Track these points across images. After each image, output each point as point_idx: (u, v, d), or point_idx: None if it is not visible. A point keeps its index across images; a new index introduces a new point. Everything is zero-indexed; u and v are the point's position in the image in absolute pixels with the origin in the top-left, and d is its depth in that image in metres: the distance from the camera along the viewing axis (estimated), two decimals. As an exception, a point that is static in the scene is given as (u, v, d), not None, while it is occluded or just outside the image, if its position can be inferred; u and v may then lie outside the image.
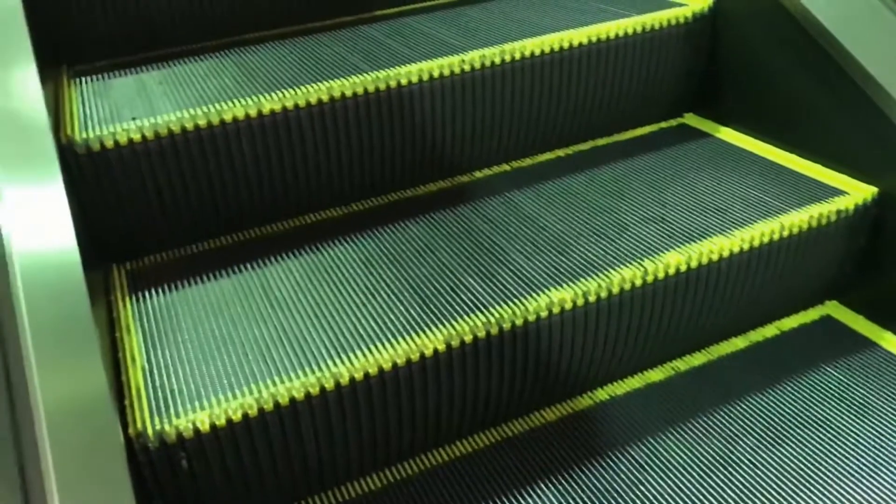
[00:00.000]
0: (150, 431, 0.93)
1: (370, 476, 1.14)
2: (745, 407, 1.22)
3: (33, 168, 1.01)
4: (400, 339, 1.06)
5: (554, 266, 1.20)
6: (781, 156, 1.49)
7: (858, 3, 1.39)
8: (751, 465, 1.11)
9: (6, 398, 0.80)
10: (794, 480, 1.09)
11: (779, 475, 1.10)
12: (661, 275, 1.18)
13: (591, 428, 1.20)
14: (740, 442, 1.15)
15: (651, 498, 1.07)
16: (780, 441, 1.15)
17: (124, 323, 1.13)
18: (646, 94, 1.61)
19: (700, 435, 1.17)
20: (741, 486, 1.08)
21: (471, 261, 1.23)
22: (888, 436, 1.15)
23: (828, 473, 1.10)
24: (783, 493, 1.07)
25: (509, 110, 1.47)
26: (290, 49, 1.54)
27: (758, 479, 1.09)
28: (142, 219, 1.28)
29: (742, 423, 1.19)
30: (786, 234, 1.26)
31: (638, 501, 1.07)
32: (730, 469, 1.11)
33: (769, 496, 1.06)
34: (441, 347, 1.06)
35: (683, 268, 1.19)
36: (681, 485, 1.09)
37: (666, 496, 1.07)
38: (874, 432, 1.16)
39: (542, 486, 1.10)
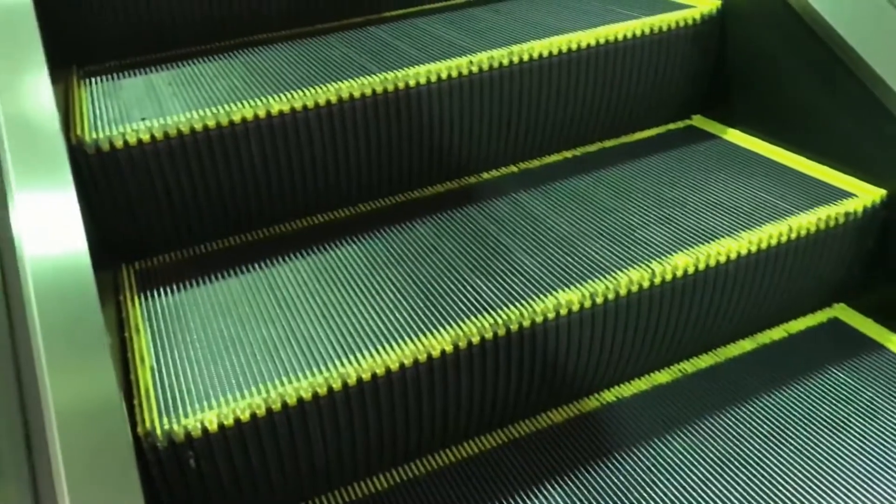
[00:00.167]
0: (158, 431, 0.94)
1: (377, 476, 1.14)
2: (752, 409, 1.22)
3: (44, 169, 1.01)
4: (407, 339, 1.06)
5: (561, 267, 1.20)
6: (790, 158, 1.49)
7: (867, 4, 1.39)
8: (757, 467, 1.11)
9: (17, 398, 0.81)
10: (800, 482, 1.08)
11: (785, 476, 1.09)
12: (668, 277, 1.18)
13: (598, 429, 1.20)
14: (747, 443, 1.15)
15: (658, 499, 1.07)
16: (786, 442, 1.15)
17: (133, 323, 1.13)
18: (653, 96, 1.61)
19: (707, 436, 1.17)
20: (748, 487, 1.08)
21: (478, 262, 1.23)
22: (895, 437, 1.15)
23: (834, 474, 1.09)
24: (789, 495, 1.07)
25: (517, 112, 1.47)
26: (298, 50, 1.55)
27: (764, 480, 1.09)
28: (151, 219, 1.29)
29: (749, 425, 1.19)
30: (794, 236, 1.26)
31: (644, 502, 1.07)
32: (736, 470, 1.11)
33: (775, 497, 1.06)
34: (448, 348, 1.06)
35: (691, 270, 1.19)
36: (687, 486, 1.09)
37: (672, 497, 1.07)
38: (881, 433, 1.16)
39: (549, 486, 1.10)
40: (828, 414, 1.20)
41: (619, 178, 1.46)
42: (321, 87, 1.31)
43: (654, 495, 1.08)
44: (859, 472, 1.10)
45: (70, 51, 1.54)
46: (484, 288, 1.16)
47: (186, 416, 0.96)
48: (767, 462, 1.12)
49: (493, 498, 1.09)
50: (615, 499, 1.08)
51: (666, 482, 1.10)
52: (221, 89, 1.37)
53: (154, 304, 1.18)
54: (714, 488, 1.08)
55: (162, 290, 1.21)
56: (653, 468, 1.12)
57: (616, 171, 1.49)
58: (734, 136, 1.60)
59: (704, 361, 1.33)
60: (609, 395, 1.26)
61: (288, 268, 1.25)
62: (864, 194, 1.33)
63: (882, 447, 1.14)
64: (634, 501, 1.07)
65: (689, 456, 1.14)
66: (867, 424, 1.18)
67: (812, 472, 1.10)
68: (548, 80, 1.46)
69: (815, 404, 1.22)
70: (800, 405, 1.22)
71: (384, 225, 1.35)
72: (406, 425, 1.10)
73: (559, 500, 1.08)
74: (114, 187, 1.23)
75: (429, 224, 1.35)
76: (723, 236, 1.25)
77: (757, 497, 1.07)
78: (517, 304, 1.12)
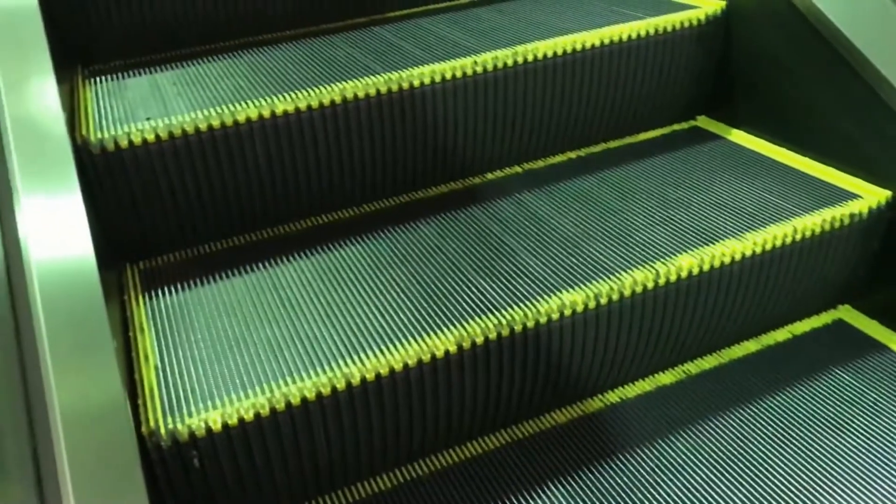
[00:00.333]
0: (162, 430, 0.94)
1: (381, 476, 1.15)
2: (756, 410, 1.21)
3: (50, 169, 1.01)
4: (411, 339, 1.06)
5: (565, 268, 1.20)
6: (795, 159, 1.48)
7: (872, 5, 1.38)
8: (762, 468, 1.11)
9: (22, 399, 0.81)
10: (805, 483, 1.08)
11: (790, 477, 1.09)
12: (672, 278, 1.17)
13: (602, 430, 1.20)
14: (752, 444, 1.15)
15: (662, 499, 1.07)
16: (790, 443, 1.15)
17: (138, 322, 1.13)
18: (658, 97, 1.61)
19: (711, 437, 1.17)
20: (752, 488, 1.08)
21: (482, 262, 1.23)
22: (901, 441, 1.15)
23: (839, 475, 1.09)
24: (794, 496, 1.06)
25: (522, 112, 1.47)
26: (303, 50, 1.55)
27: (768, 481, 1.09)
28: (155, 218, 1.29)
29: (753, 426, 1.18)
30: (799, 237, 1.26)
31: (649, 502, 1.07)
32: (740, 471, 1.11)
33: (780, 498, 1.06)
34: (452, 349, 1.06)
35: (696, 271, 1.19)
36: (692, 486, 1.09)
37: (677, 497, 1.07)
38: (886, 434, 1.15)
39: (553, 487, 1.10)
40: (832, 415, 1.20)
41: (624, 178, 1.46)
42: (326, 88, 1.31)
43: (658, 495, 1.08)
44: (864, 472, 1.10)
45: (75, 50, 1.54)
46: (488, 288, 1.16)
47: (190, 416, 0.96)
48: (772, 463, 1.12)
49: (496, 498, 1.09)
50: (619, 499, 1.08)
51: (670, 482, 1.10)
52: (226, 89, 1.37)
53: (158, 303, 1.18)
54: (719, 489, 1.08)
55: (166, 289, 1.21)
56: (657, 468, 1.12)
57: (620, 171, 1.49)
58: (739, 136, 1.60)
59: (709, 362, 1.33)
60: (613, 396, 1.26)
61: (292, 268, 1.25)
62: (869, 195, 1.33)
63: (888, 448, 1.13)
64: (638, 502, 1.07)
65: (693, 456, 1.14)
66: (872, 425, 1.17)
67: (816, 472, 1.10)
68: (552, 81, 1.46)
69: (819, 405, 1.22)
70: (804, 406, 1.22)
71: (388, 225, 1.35)
72: (410, 425, 1.10)
73: (563, 500, 1.08)
74: (119, 187, 1.23)
75: (433, 224, 1.35)
76: (727, 237, 1.25)
77: (761, 498, 1.06)
78: (521, 304, 1.12)
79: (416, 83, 1.34)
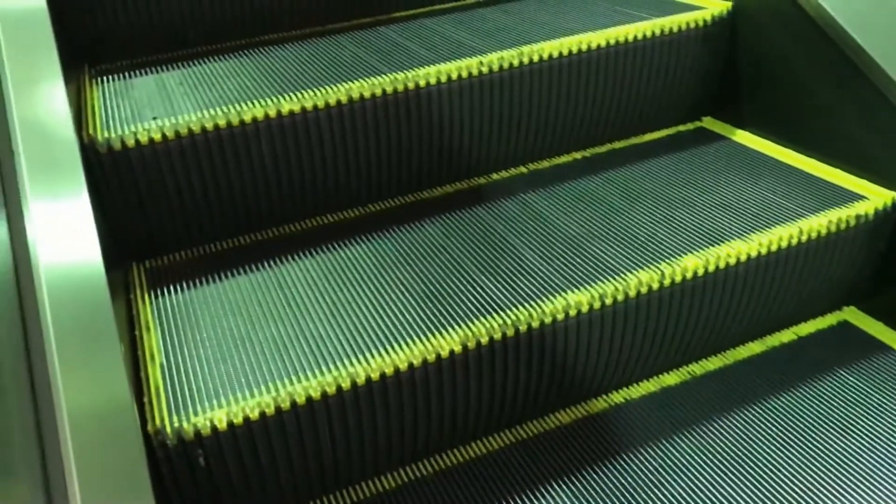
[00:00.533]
0: (168, 429, 0.94)
1: (385, 476, 1.15)
2: (761, 411, 1.21)
3: (57, 168, 1.02)
4: (416, 339, 1.07)
5: (570, 268, 1.20)
6: (801, 160, 1.48)
7: (879, 6, 1.38)
8: (766, 469, 1.11)
9: (29, 398, 0.81)
10: (809, 484, 1.08)
11: (794, 479, 1.09)
12: (678, 278, 1.17)
13: (606, 430, 1.20)
14: (756, 445, 1.15)
15: (666, 499, 1.07)
16: (795, 445, 1.15)
17: (144, 321, 1.14)
18: (663, 97, 1.61)
19: (715, 438, 1.17)
20: (755, 489, 1.08)
21: (487, 262, 1.23)
22: (906, 442, 1.15)
23: (844, 477, 1.09)
24: (798, 497, 1.06)
25: (527, 112, 1.47)
26: (308, 50, 1.55)
27: (773, 482, 1.09)
28: (162, 218, 1.29)
29: (758, 427, 1.18)
30: (804, 238, 1.26)
31: (653, 503, 1.07)
32: (744, 472, 1.11)
33: (784, 499, 1.06)
34: (457, 348, 1.06)
35: (701, 271, 1.19)
36: (695, 487, 1.09)
37: (681, 498, 1.07)
38: (890, 436, 1.15)
39: (557, 487, 1.10)
40: (837, 416, 1.20)
41: (629, 179, 1.46)
42: (332, 87, 1.32)
43: (662, 496, 1.08)
44: (869, 474, 1.09)
45: (82, 50, 1.54)
46: (493, 288, 1.16)
47: (196, 415, 0.96)
48: (776, 464, 1.12)
49: (501, 498, 1.09)
50: (623, 499, 1.08)
51: (674, 483, 1.10)
52: (232, 89, 1.38)
53: (164, 302, 1.18)
54: (723, 489, 1.08)
55: (172, 288, 1.22)
56: (661, 469, 1.12)
57: (625, 172, 1.49)
58: (744, 137, 1.60)
59: (713, 363, 1.33)
60: (617, 397, 1.26)
61: (298, 267, 1.25)
62: (875, 197, 1.33)
63: (892, 450, 1.13)
64: (643, 502, 1.07)
65: (697, 457, 1.14)
66: (876, 427, 1.17)
67: (821, 474, 1.10)
68: (558, 81, 1.46)
69: (824, 407, 1.22)
70: (809, 408, 1.22)
71: (394, 225, 1.36)
72: (414, 425, 1.11)
73: (567, 500, 1.08)
74: (125, 186, 1.24)
75: (438, 224, 1.35)
76: (733, 238, 1.24)
77: (766, 499, 1.06)
78: (526, 304, 1.12)
79: (422, 83, 1.35)
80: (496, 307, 1.12)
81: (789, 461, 1.12)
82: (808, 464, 1.12)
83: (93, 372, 0.82)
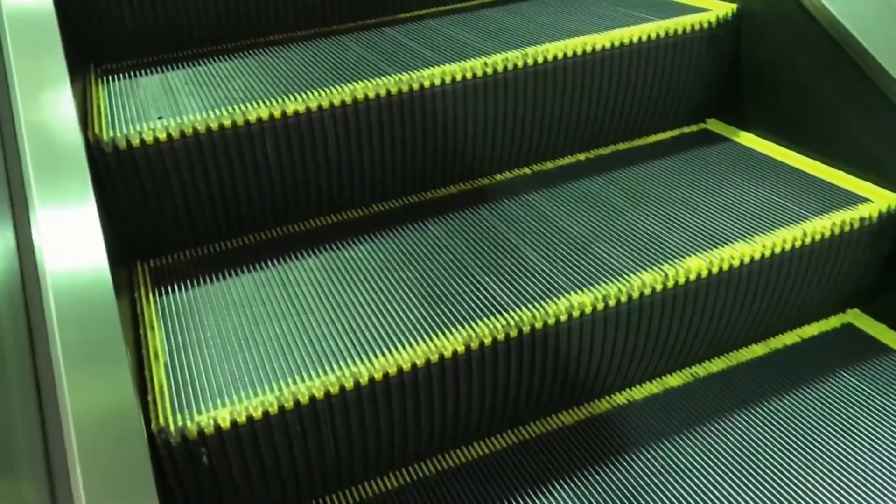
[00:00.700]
0: (172, 427, 0.95)
1: (388, 476, 1.15)
2: (763, 413, 1.21)
3: (63, 168, 1.02)
4: (419, 339, 1.07)
5: (574, 269, 1.20)
6: (805, 162, 1.48)
7: (884, 9, 1.38)
8: (768, 471, 1.11)
9: (35, 397, 0.82)
10: (811, 486, 1.08)
11: (796, 480, 1.09)
12: (681, 280, 1.17)
13: (609, 432, 1.20)
14: (759, 447, 1.15)
15: (668, 501, 1.07)
16: (797, 447, 1.15)
17: (148, 320, 1.14)
18: (668, 99, 1.61)
19: (718, 440, 1.17)
20: (758, 491, 1.08)
21: (491, 263, 1.23)
22: (909, 445, 1.15)
23: (846, 479, 1.09)
24: (800, 499, 1.06)
25: (531, 113, 1.47)
26: (313, 51, 1.55)
27: (775, 484, 1.09)
28: (166, 217, 1.30)
29: (761, 429, 1.18)
30: (808, 241, 1.26)
31: (653, 503, 1.07)
32: (747, 474, 1.11)
33: (786, 501, 1.06)
34: (460, 349, 1.06)
35: (704, 273, 1.19)
36: (697, 489, 1.09)
37: (683, 500, 1.07)
38: (893, 439, 1.15)
39: (559, 488, 1.10)
40: (840, 419, 1.19)
41: (633, 180, 1.46)
42: (336, 88, 1.32)
43: (665, 497, 1.08)
44: (871, 476, 1.09)
45: (88, 49, 1.55)
46: (496, 289, 1.17)
47: (199, 413, 0.97)
48: (778, 466, 1.12)
49: (503, 498, 1.09)
50: (626, 501, 1.08)
51: (677, 485, 1.10)
52: (237, 89, 1.38)
53: (168, 301, 1.19)
54: (725, 491, 1.08)
55: (176, 287, 1.22)
56: (664, 471, 1.12)
57: (629, 173, 1.49)
58: (749, 139, 1.60)
59: (716, 365, 1.32)
60: (620, 398, 1.26)
61: (301, 267, 1.26)
62: (880, 199, 1.33)
63: (893, 450, 1.13)
64: (643, 503, 1.07)
65: (700, 459, 1.14)
66: (879, 429, 1.17)
67: (823, 476, 1.10)
68: (562, 83, 1.46)
69: (826, 409, 1.22)
70: (812, 410, 1.22)
71: (397, 225, 1.36)
72: (417, 425, 1.11)
73: (569, 501, 1.08)
74: (130, 186, 1.24)
75: (441, 225, 1.35)
76: (736, 240, 1.24)
77: (768, 501, 1.06)
78: (529, 305, 1.12)
79: (426, 84, 1.35)
80: (499, 308, 1.12)
81: (792, 463, 1.12)
82: (811, 466, 1.12)
83: (98, 371, 0.83)
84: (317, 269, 1.25)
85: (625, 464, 1.14)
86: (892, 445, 1.14)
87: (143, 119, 1.28)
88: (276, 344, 1.08)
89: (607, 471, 1.13)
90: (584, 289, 1.15)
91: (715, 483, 1.10)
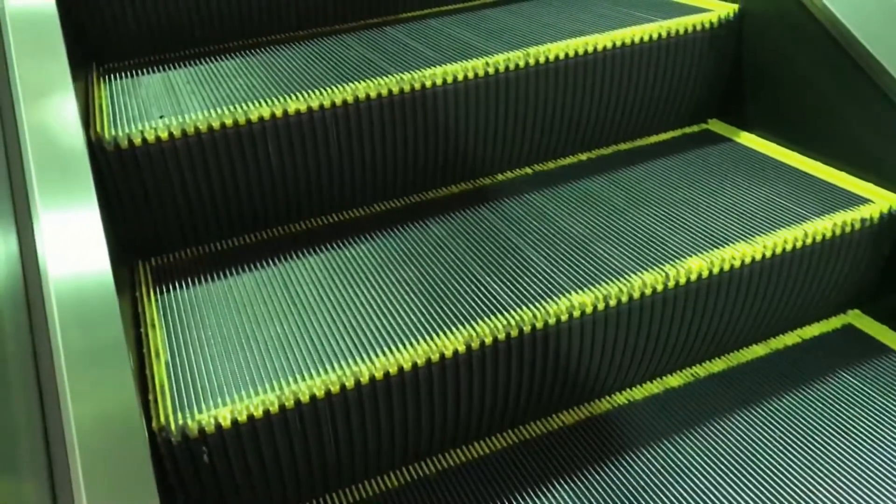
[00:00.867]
0: (172, 426, 0.95)
1: (389, 475, 1.15)
2: (764, 413, 1.21)
3: (65, 168, 1.02)
4: (420, 339, 1.07)
5: (575, 269, 1.20)
6: (806, 163, 1.48)
7: (886, 10, 1.38)
8: (769, 471, 1.11)
9: (36, 397, 0.82)
10: (812, 486, 1.08)
11: (796, 481, 1.09)
12: (682, 280, 1.17)
13: (610, 432, 1.20)
14: (759, 448, 1.15)
15: (668, 502, 1.07)
16: (798, 447, 1.15)
17: (149, 318, 1.14)
18: (669, 99, 1.61)
19: (718, 440, 1.17)
20: (758, 491, 1.08)
21: (492, 263, 1.23)
22: (909, 446, 1.15)
23: (846, 480, 1.09)
24: (801, 499, 1.06)
25: (533, 113, 1.47)
26: (315, 50, 1.56)
27: (775, 484, 1.09)
28: (167, 216, 1.30)
29: (761, 430, 1.18)
30: (809, 241, 1.26)
31: (653, 503, 1.07)
32: (748, 474, 1.11)
33: (787, 501, 1.06)
34: (461, 348, 1.06)
35: (705, 273, 1.19)
36: (698, 489, 1.09)
37: (683, 500, 1.07)
38: (894, 439, 1.15)
39: (560, 487, 1.10)
40: (840, 420, 1.19)
41: (634, 181, 1.46)
42: (338, 87, 1.32)
43: (665, 498, 1.08)
44: (872, 477, 1.09)
45: (90, 48, 1.55)
46: (497, 289, 1.17)
47: (200, 412, 0.97)
48: (779, 466, 1.12)
49: (503, 498, 1.09)
50: (626, 501, 1.08)
51: (677, 485, 1.10)
52: (239, 88, 1.38)
53: (170, 300, 1.19)
54: (726, 491, 1.08)
55: (177, 286, 1.22)
56: (664, 471, 1.12)
57: (631, 173, 1.49)
58: (750, 140, 1.60)
59: (717, 366, 1.33)
60: (621, 398, 1.26)
61: (302, 266, 1.26)
62: (881, 200, 1.33)
63: (895, 454, 1.13)
64: (643, 503, 1.07)
65: (700, 459, 1.14)
66: (879, 430, 1.17)
67: (823, 476, 1.10)
68: (564, 83, 1.46)
69: (827, 410, 1.22)
70: (812, 410, 1.22)
71: (398, 224, 1.36)
72: (417, 425, 1.11)
73: (570, 500, 1.08)
74: (132, 184, 1.24)
75: (442, 224, 1.35)
76: (737, 240, 1.24)
77: (768, 501, 1.06)
78: (530, 305, 1.12)
79: (428, 84, 1.35)
80: (500, 307, 1.12)
81: (792, 464, 1.12)
82: (811, 466, 1.12)
83: (99, 371, 0.83)
84: (318, 269, 1.25)
85: (625, 464, 1.14)
86: (892, 446, 1.14)
87: (144, 118, 1.29)
88: (276, 343, 1.08)
89: (607, 471, 1.13)
90: (585, 289, 1.15)
91: (715, 483, 1.10)
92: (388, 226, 1.36)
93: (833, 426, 1.18)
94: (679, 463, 1.13)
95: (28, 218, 0.95)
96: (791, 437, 1.17)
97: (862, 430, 1.18)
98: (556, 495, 1.09)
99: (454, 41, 1.53)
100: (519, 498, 1.09)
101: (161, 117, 1.28)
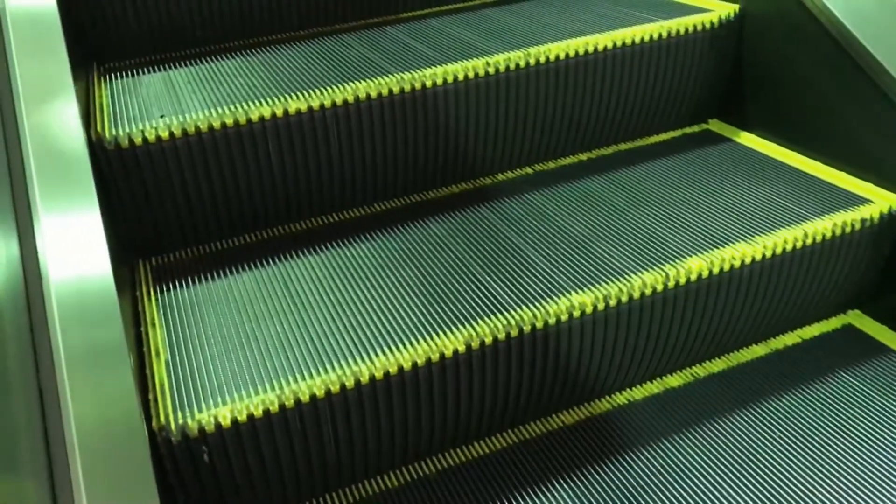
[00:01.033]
0: (172, 425, 0.95)
1: (388, 475, 1.15)
2: (764, 413, 1.21)
3: (66, 168, 1.02)
4: (420, 339, 1.07)
5: (575, 269, 1.20)
6: (806, 163, 1.48)
7: (886, 10, 1.38)
8: (768, 471, 1.11)
9: (36, 396, 0.82)
10: (812, 487, 1.08)
11: (796, 481, 1.09)
12: (682, 280, 1.18)
13: (609, 431, 1.20)
14: (759, 448, 1.15)
15: (668, 502, 1.07)
16: (798, 447, 1.15)
17: (149, 317, 1.14)
18: (670, 100, 1.61)
19: (718, 440, 1.17)
20: (758, 491, 1.08)
21: (492, 263, 1.23)
22: (909, 446, 1.15)
23: (846, 480, 1.09)
24: (801, 499, 1.06)
25: (533, 113, 1.47)
26: (315, 50, 1.56)
27: (775, 484, 1.09)
28: (168, 215, 1.30)
29: (761, 430, 1.18)
30: (809, 241, 1.26)
31: (653, 503, 1.07)
32: (747, 474, 1.11)
33: (786, 501, 1.06)
34: (461, 348, 1.06)
35: (705, 273, 1.19)
36: (697, 488, 1.09)
37: (683, 500, 1.07)
38: (893, 440, 1.15)
39: (560, 487, 1.10)
40: (840, 420, 1.20)
41: (634, 181, 1.46)
42: (338, 87, 1.32)
43: (664, 498, 1.08)
44: (871, 478, 1.09)
45: (91, 48, 1.55)
46: (497, 289, 1.17)
47: (200, 411, 0.97)
48: (779, 466, 1.12)
49: (503, 497, 1.09)
50: (626, 501, 1.08)
51: (677, 485, 1.10)
52: (240, 88, 1.38)
53: (170, 299, 1.19)
54: (726, 491, 1.08)
55: (178, 285, 1.22)
56: (664, 471, 1.12)
57: (631, 173, 1.49)
58: (750, 140, 1.60)
59: (717, 366, 1.33)
60: (621, 398, 1.26)
61: (302, 265, 1.26)
62: (881, 200, 1.33)
63: (894, 454, 1.13)
64: (643, 502, 1.07)
65: (700, 459, 1.14)
66: (879, 430, 1.17)
67: (823, 477, 1.10)
68: (564, 83, 1.46)
69: (827, 410, 1.22)
70: (812, 410, 1.22)
71: (398, 224, 1.36)
72: (417, 424, 1.11)
73: (570, 500, 1.08)
74: (132, 184, 1.24)
75: (443, 224, 1.35)
76: (737, 240, 1.24)
77: (768, 501, 1.06)
78: (530, 305, 1.12)
79: (429, 83, 1.35)
80: (500, 307, 1.12)
81: (792, 464, 1.12)
82: (811, 467, 1.12)
83: (99, 371, 0.83)
84: (318, 268, 1.25)
85: (625, 464, 1.14)
86: (891, 447, 1.14)
87: (145, 117, 1.29)
88: (277, 342, 1.08)
89: (607, 471, 1.13)
90: (585, 288, 1.15)
91: (715, 483, 1.10)
92: (388, 226, 1.36)
93: (833, 426, 1.18)
94: (679, 462, 1.13)
95: (28, 217, 0.95)
96: (791, 437, 1.17)
97: (862, 430, 1.18)
98: (556, 495, 1.09)
99: (455, 41, 1.53)
100: (519, 498, 1.09)
101: (161, 117, 1.28)
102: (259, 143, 1.28)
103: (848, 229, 1.29)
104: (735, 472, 1.11)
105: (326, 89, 1.32)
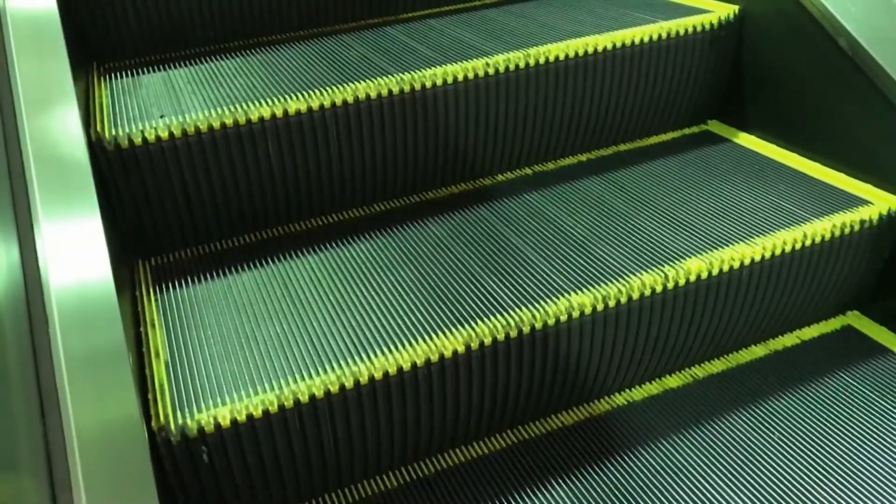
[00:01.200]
0: (172, 426, 0.95)
1: (388, 475, 1.15)
2: (763, 414, 1.22)
3: (66, 168, 1.02)
4: (420, 339, 1.07)
5: (574, 270, 1.20)
6: (806, 164, 1.48)
7: (886, 11, 1.38)
8: (766, 471, 1.11)
9: (36, 397, 0.82)
10: (810, 487, 1.08)
11: (795, 481, 1.09)
12: (681, 281, 1.18)
13: (608, 432, 1.20)
14: (758, 448, 1.15)
15: (667, 501, 1.07)
16: (797, 448, 1.15)
17: (149, 318, 1.14)
18: (669, 100, 1.61)
19: (716, 441, 1.17)
20: (756, 492, 1.08)
21: (492, 263, 1.23)
22: (908, 448, 1.15)
23: (846, 480, 1.09)
24: (801, 499, 1.06)
25: (533, 114, 1.47)
26: (315, 50, 1.56)
27: (773, 484, 1.09)
28: (168, 215, 1.30)
29: (760, 431, 1.18)
30: (808, 242, 1.26)
31: (652, 503, 1.07)
32: (747, 475, 1.11)
33: (786, 502, 1.06)
34: (460, 349, 1.06)
35: (704, 274, 1.19)
36: (696, 489, 1.09)
37: (682, 500, 1.07)
38: (893, 440, 1.15)
39: (559, 487, 1.11)
40: (839, 420, 1.20)
41: (634, 181, 1.46)
42: (338, 87, 1.32)
43: (664, 498, 1.08)
44: (871, 478, 1.09)
45: (90, 48, 1.55)
46: (496, 289, 1.17)
47: (200, 411, 0.97)
48: (778, 467, 1.12)
49: (502, 498, 1.10)
50: (625, 501, 1.08)
51: (676, 485, 1.10)
52: (240, 88, 1.38)
53: (170, 299, 1.19)
54: (725, 492, 1.08)
55: (177, 285, 1.22)
56: (663, 471, 1.12)
57: (630, 174, 1.49)
58: (750, 141, 1.60)
59: (716, 367, 1.33)
60: (620, 399, 1.27)
61: (302, 266, 1.26)
62: (880, 202, 1.33)
63: (894, 454, 1.13)
64: (641, 502, 1.08)
65: (699, 460, 1.14)
66: (879, 431, 1.17)
67: (822, 477, 1.10)
68: (564, 83, 1.46)
69: (826, 411, 1.22)
70: (811, 411, 1.22)
71: (398, 224, 1.36)
72: (417, 425, 1.11)
73: (569, 501, 1.08)
74: (132, 184, 1.24)
75: (442, 224, 1.36)
76: (737, 241, 1.25)
77: (767, 501, 1.06)
78: (529, 305, 1.12)
79: (428, 84, 1.35)
80: (499, 308, 1.12)
81: (790, 464, 1.12)
82: (810, 467, 1.12)
83: (99, 376, 0.83)
84: (317, 268, 1.25)
85: (624, 464, 1.14)
86: (891, 448, 1.14)
87: (145, 117, 1.29)
88: (276, 342, 1.08)
89: (607, 471, 1.13)
90: (585, 289, 1.15)
91: (715, 484, 1.10)
92: (387, 226, 1.36)
93: (832, 427, 1.19)
94: (678, 463, 1.14)
95: (28, 218, 0.96)
96: (790, 438, 1.17)
97: (861, 430, 1.18)
98: (556, 495, 1.10)
99: (454, 41, 1.53)
100: (518, 498, 1.10)
101: (161, 117, 1.28)
102: (259, 144, 1.29)
103: (847, 230, 1.29)
104: (733, 472, 1.11)
105: (326, 90, 1.32)
